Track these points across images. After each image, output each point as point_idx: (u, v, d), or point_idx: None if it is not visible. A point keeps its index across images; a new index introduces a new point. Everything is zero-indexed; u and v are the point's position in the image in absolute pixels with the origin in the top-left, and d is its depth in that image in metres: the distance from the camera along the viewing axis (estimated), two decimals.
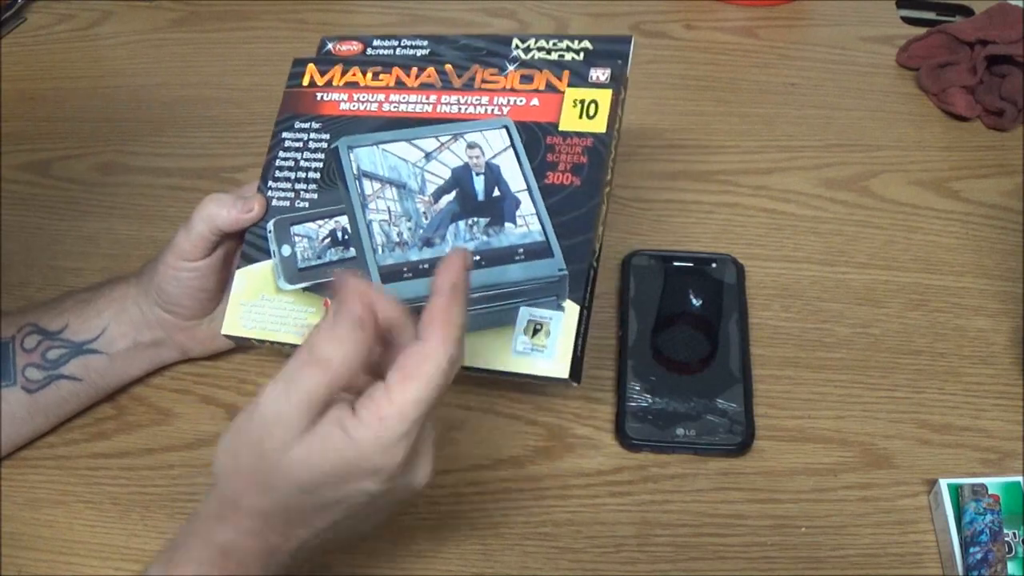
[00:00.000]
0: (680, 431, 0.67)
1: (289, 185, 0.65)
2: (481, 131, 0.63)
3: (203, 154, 0.87)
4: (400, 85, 0.65)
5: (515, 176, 0.62)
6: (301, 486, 0.46)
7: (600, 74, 0.62)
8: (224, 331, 0.64)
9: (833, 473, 0.66)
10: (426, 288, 0.54)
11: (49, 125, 0.90)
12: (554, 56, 0.63)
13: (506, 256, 0.61)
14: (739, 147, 0.87)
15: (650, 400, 0.69)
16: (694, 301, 0.74)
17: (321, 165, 0.65)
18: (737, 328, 0.72)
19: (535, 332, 0.58)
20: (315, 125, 0.65)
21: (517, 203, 0.62)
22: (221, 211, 0.63)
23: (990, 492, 0.62)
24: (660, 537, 0.64)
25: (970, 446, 0.68)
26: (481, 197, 0.62)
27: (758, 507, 0.65)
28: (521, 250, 0.61)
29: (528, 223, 0.61)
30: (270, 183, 0.65)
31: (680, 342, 0.72)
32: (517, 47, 0.64)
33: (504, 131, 0.63)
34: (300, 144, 0.65)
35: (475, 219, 0.62)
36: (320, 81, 0.66)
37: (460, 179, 0.63)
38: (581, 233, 0.60)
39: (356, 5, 1.01)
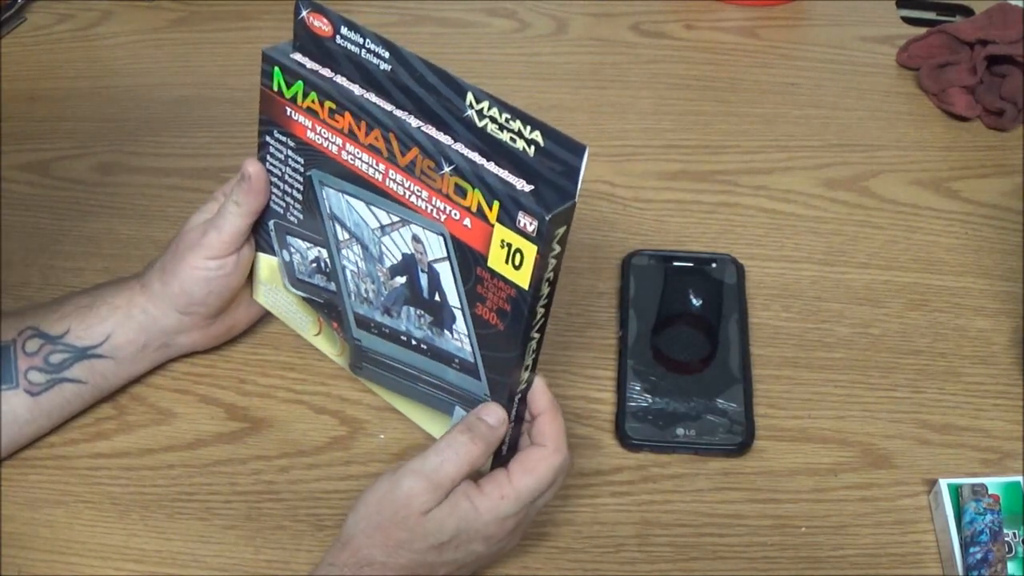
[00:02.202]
0: (680, 431, 0.67)
1: (280, 193, 0.63)
2: (423, 228, 0.56)
3: (203, 154, 0.87)
4: (352, 135, 0.57)
5: (452, 290, 0.56)
6: (433, 544, 0.54)
7: (528, 223, 0.50)
8: (254, 296, 0.68)
9: (833, 473, 0.66)
10: (389, 349, 0.61)
11: (49, 125, 0.89)
12: (505, 136, 0.51)
13: (445, 358, 0.59)
14: (739, 147, 0.87)
15: (650, 400, 0.69)
16: (694, 301, 0.74)
17: (301, 188, 0.62)
18: (737, 328, 0.72)
19: None
20: (291, 143, 0.60)
21: (453, 317, 0.57)
22: (247, 197, 0.63)
23: (990, 492, 0.62)
24: (660, 537, 0.64)
25: (970, 446, 0.68)
26: (425, 295, 0.58)
27: (758, 507, 0.65)
28: (456, 360, 0.58)
29: (462, 341, 0.57)
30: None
31: (680, 342, 0.72)
32: (471, 105, 0.52)
33: (442, 239, 0.55)
34: (282, 156, 0.62)
35: (422, 312, 0.59)
36: (287, 93, 0.59)
37: (409, 267, 0.58)
38: (502, 374, 0.56)
39: (356, 5, 1.01)
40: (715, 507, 0.65)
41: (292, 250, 0.64)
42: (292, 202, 0.63)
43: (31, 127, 0.89)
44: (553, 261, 0.52)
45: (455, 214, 0.54)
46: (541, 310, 0.54)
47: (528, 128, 0.51)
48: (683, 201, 0.83)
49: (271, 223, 0.65)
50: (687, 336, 0.73)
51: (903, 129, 0.89)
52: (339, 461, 0.67)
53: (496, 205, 0.52)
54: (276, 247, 0.65)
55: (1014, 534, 0.61)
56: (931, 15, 1.01)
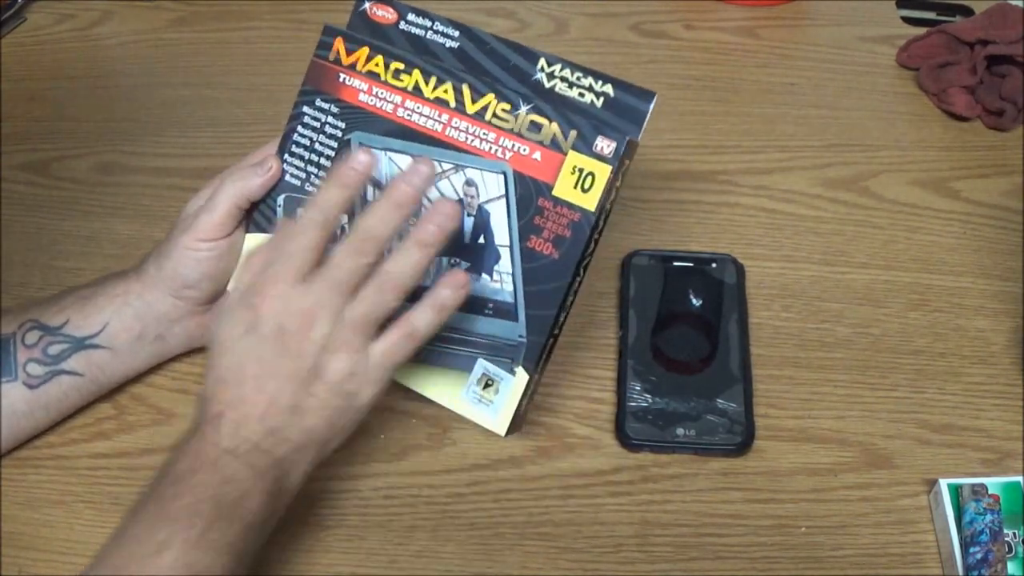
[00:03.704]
0: (680, 431, 0.67)
1: (303, 164, 0.65)
2: (481, 170, 0.60)
3: (203, 154, 0.87)
4: (417, 91, 0.61)
5: (502, 229, 0.60)
6: (212, 337, 0.57)
7: (605, 146, 0.58)
8: (230, 287, 0.66)
9: (833, 473, 0.66)
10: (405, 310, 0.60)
11: (49, 125, 0.89)
12: (574, 92, 0.60)
13: (476, 306, 0.61)
14: (739, 147, 0.87)
15: (650, 400, 0.69)
16: (694, 301, 0.74)
17: (333, 154, 0.64)
18: (737, 328, 0.72)
19: (486, 386, 0.61)
20: (334, 109, 0.64)
21: (497, 257, 0.61)
22: (248, 183, 0.64)
23: (990, 492, 0.62)
24: (660, 537, 0.64)
25: (970, 446, 0.68)
26: (467, 239, 0.61)
27: (758, 507, 0.65)
28: (491, 305, 0.61)
29: (503, 281, 0.61)
30: (286, 156, 0.65)
31: (680, 342, 0.72)
32: (542, 69, 0.60)
33: (502, 177, 0.60)
34: (318, 125, 0.64)
35: (456, 259, 0.61)
36: (345, 60, 0.63)
37: None
38: (545, 308, 0.60)
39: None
40: (715, 507, 0.65)
41: None
42: (316, 171, 0.64)
43: (31, 127, 0.89)
44: (613, 193, 0.59)
45: (524, 149, 0.59)
46: (593, 244, 0.59)
47: (599, 82, 0.59)
48: (683, 201, 0.83)
49: (280, 198, 0.65)
50: (687, 336, 0.73)
51: (903, 129, 0.89)
52: (338, 461, 0.67)
53: (573, 134, 0.58)
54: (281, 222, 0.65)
55: (1014, 534, 0.61)
56: (931, 15, 1.01)
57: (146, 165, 0.86)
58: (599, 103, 0.59)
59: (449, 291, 0.57)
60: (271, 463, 0.55)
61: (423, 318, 0.57)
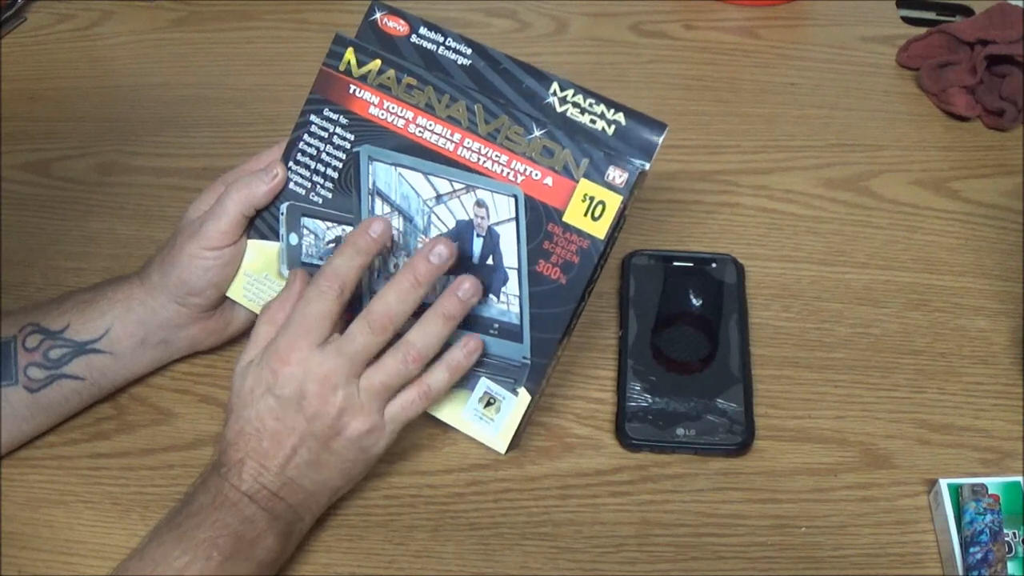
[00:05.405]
0: (680, 431, 0.67)
1: (308, 173, 0.64)
2: (492, 192, 0.60)
3: (203, 154, 0.87)
4: (429, 108, 0.61)
5: (511, 251, 0.60)
6: (234, 389, 0.60)
7: (617, 176, 0.58)
8: (228, 293, 0.66)
9: (833, 473, 0.66)
10: (406, 327, 0.61)
11: (49, 125, 0.89)
12: (585, 118, 0.59)
13: (482, 326, 0.62)
14: (739, 147, 0.87)
15: (650, 400, 0.69)
16: (694, 301, 0.74)
17: (340, 165, 0.63)
18: (737, 328, 0.72)
19: (488, 404, 0.62)
20: (343, 120, 0.63)
21: (505, 279, 0.61)
22: (254, 190, 0.64)
23: (990, 492, 0.62)
24: (660, 537, 0.64)
25: (970, 446, 0.68)
26: (476, 260, 0.61)
27: (758, 507, 0.65)
28: (496, 325, 0.61)
29: (509, 303, 0.61)
30: (291, 164, 0.65)
31: (680, 342, 0.72)
32: (554, 93, 0.60)
33: (513, 200, 0.60)
34: (325, 135, 0.64)
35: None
36: (356, 71, 0.63)
37: (462, 234, 0.61)
38: (550, 331, 0.60)
39: (357, 5, 1.00)
40: (715, 507, 0.65)
41: (305, 232, 0.65)
42: (322, 181, 0.64)
43: (31, 127, 0.89)
44: (622, 221, 0.59)
45: (536, 174, 0.59)
46: (599, 269, 0.59)
47: (611, 110, 0.59)
48: (683, 201, 0.83)
49: (284, 206, 0.65)
50: (687, 336, 0.73)
51: (903, 129, 0.89)
52: None
53: (585, 162, 0.58)
54: (283, 231, 0.65)
55: (1014, 534, 0.61)
56: (931, 15, 1.01)
57: (146, 165, 0.86)
58: (610, 131, 0.59)
59: (463, 353, 0.60)
60: (286, 508, 0.59)
61: (438, 378, 0.60)
